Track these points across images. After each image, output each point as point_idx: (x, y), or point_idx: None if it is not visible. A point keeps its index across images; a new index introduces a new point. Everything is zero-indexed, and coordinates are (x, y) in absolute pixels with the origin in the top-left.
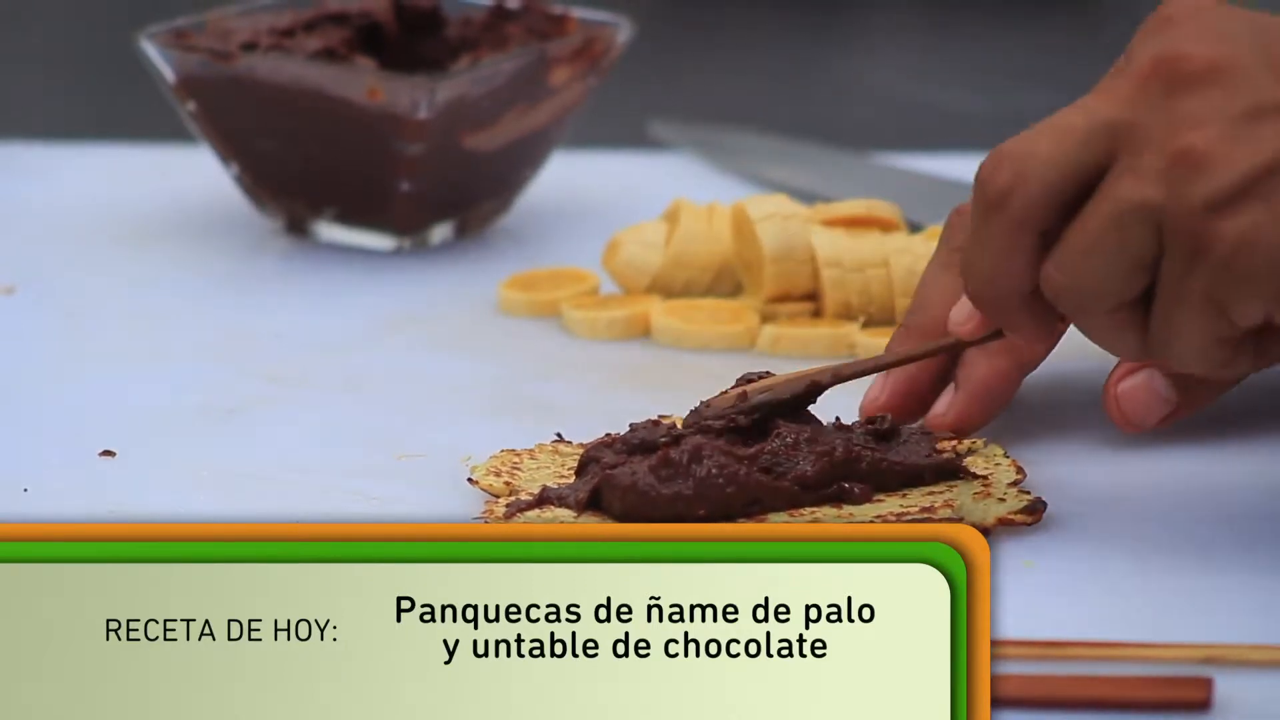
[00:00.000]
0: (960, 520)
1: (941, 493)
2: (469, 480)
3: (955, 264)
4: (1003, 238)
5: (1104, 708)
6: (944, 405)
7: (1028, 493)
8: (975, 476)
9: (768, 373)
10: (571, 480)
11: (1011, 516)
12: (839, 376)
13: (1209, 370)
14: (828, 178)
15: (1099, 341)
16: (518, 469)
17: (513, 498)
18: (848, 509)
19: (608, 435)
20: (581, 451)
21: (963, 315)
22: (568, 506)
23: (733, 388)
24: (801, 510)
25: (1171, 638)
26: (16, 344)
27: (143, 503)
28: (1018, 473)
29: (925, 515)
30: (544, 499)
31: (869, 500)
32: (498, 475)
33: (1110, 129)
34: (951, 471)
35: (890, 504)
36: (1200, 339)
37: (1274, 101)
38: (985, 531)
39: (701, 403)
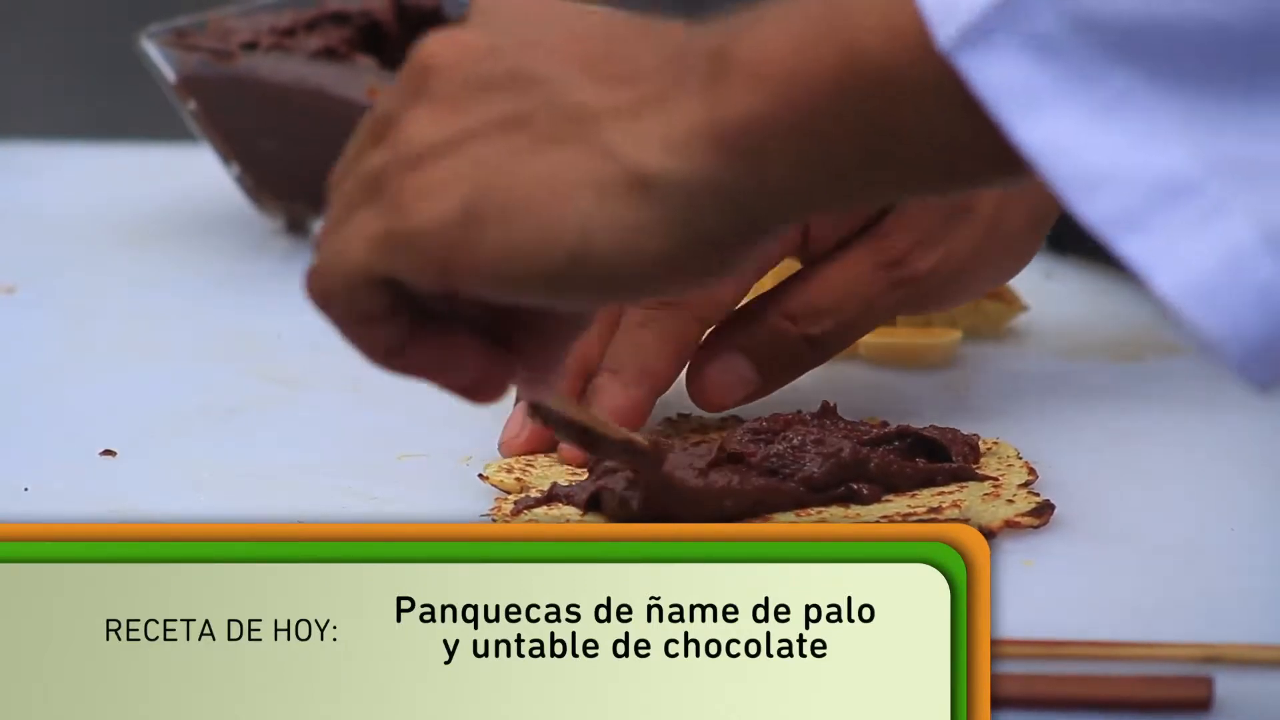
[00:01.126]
0: (966, 521)
1: (951, 493)
2: (480, 476)
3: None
4: None
5: (1104, 707)
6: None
7: (1037, 495)
8: (986, 478)
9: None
10: (583, 479)
11: (1018, 519)
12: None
13: None
14: None
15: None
16: (531, 466)
17: (522, 495)
18: (855, 509)
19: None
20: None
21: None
22: (574, 505)
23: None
24: (808, 510)
25: (1172, 637)
26: (17, 344)
27: (143, 502)
28: (1029, 474)
29: (931, 516)
30: (552, 496)
31: (877, 501)
32: (509, 472)
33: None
34: (964, 473)
35: (898, 504)
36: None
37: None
38: (988, 532)
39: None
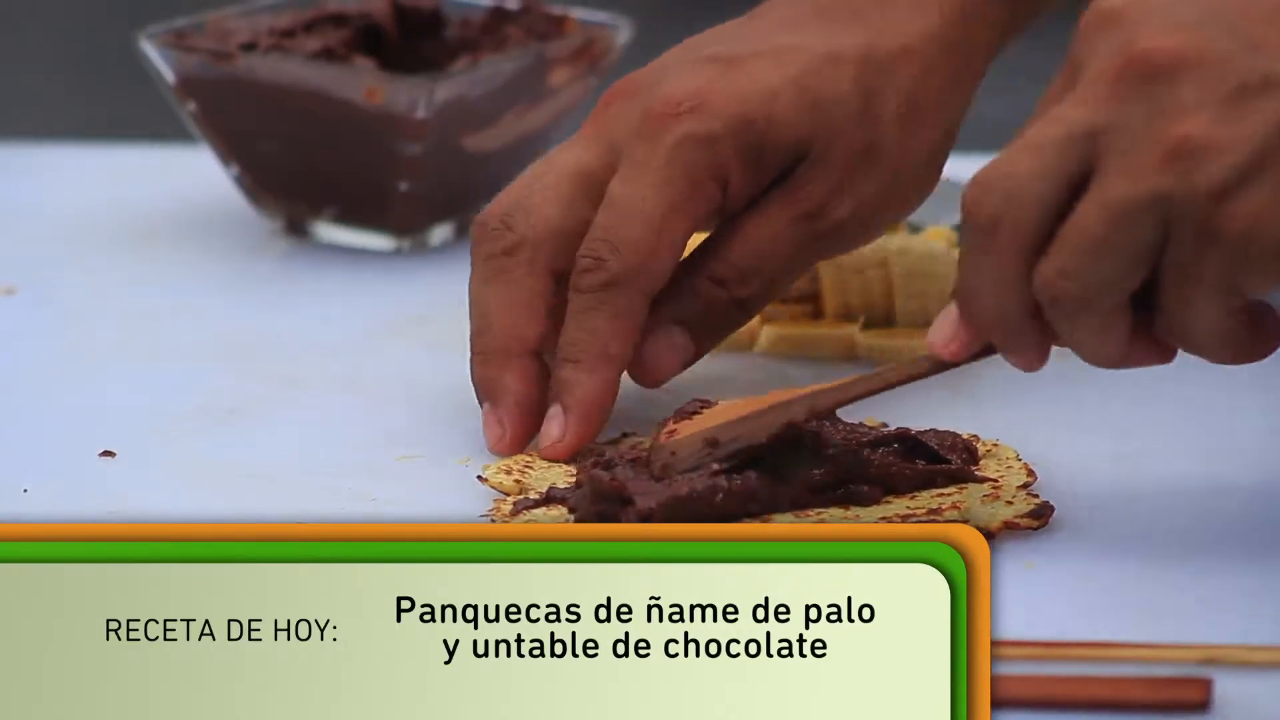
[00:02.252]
0: (965, 522)
1: (951, 495)
2: (479, 478)
3: (497, 275)
4: (1001, 263)
5: (1103, 708)
6: (557, 429)
7: (1036, 496)
8: (985, 480)
9: (704, 403)
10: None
11: (1016, 520)
12: (815, 411)
13: (1233, 354)
14: None
15: (1086, 346)
16: (529, 468)
17: (521, 496)
18: (855, 510)
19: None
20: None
21: (945, 336)
22: (570, 508)
23: (673, 423)
24: (809, 511)
25: (1171, 638)
26: (16, 344)
27: (142, 503)
28: (1028, 475)
29: (931, 517)
30: (550, 498)
31: (878, 502)
32: (508, 473)
33: (1089, 134)
34: (963, 475)
35: (897, 505)
36: (1219, 320)
37: (1257, 78)
38: (987, 534)
39: (660, 443)
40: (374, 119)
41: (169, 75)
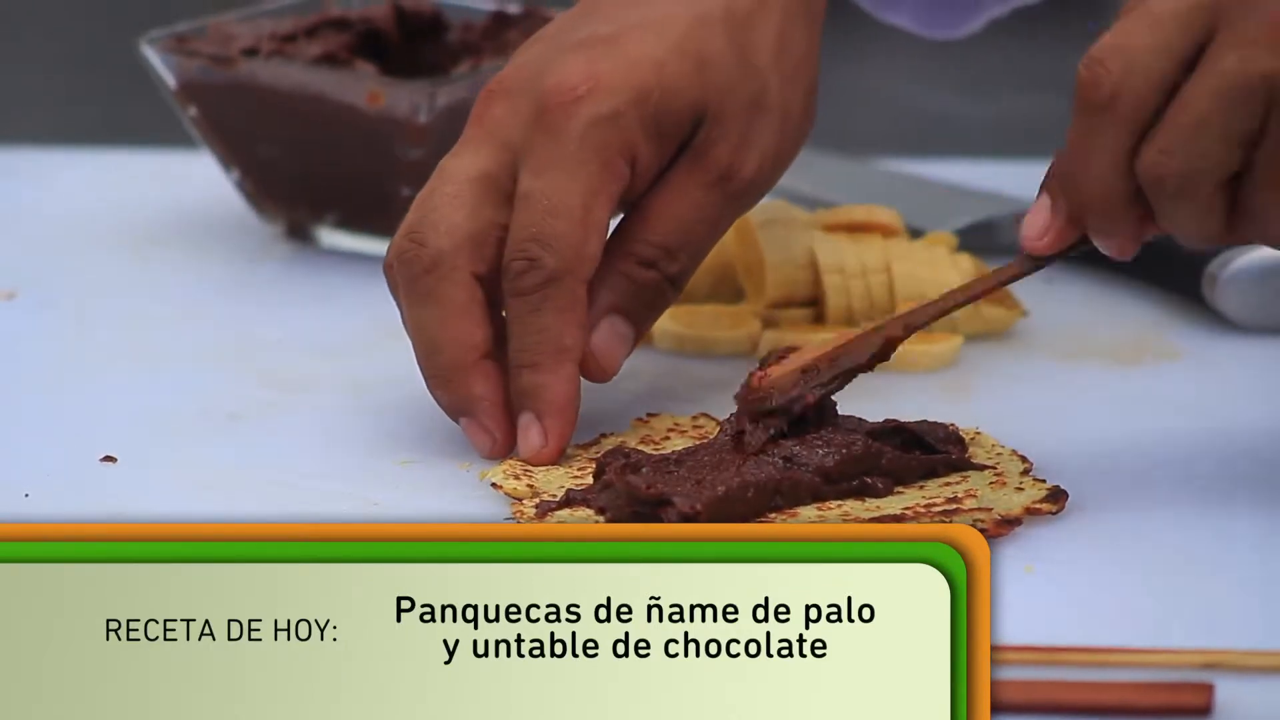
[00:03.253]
0: (989, 510)
1: (958, 483)
2: (493, 485)
3: (425, 296)
4: (1116, 136)
5: (1105, 713)
6: (537, 437)
7: (1043, 480)
8: (984, 467)
9: (791, 348)
10: (587, 482)
11: (1038, 506)
12: (911, 327)
13: None
14: (829, 183)
15: (1184, 228)
16: (529, 472)
17: (537, 499)
18: (873, 503)
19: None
20: (582, 454)
21: (1038, 229)
22: (591, 508)
23: (761, 370)
24: (829, 504)
25: (1173, 643)
26: (18, 349)
27: (144, 508)
28: (1023, 461)
29: (954, 507)
30: (570, 500)
31: (891, 493)
32: (517, 479)
33: (1205, 6)
34: (961, 463)
35: (912, 497)
36: None
37: None
38: (986, 533)
39: (751, 384)
40: (375, 124)
41: (170, 80)
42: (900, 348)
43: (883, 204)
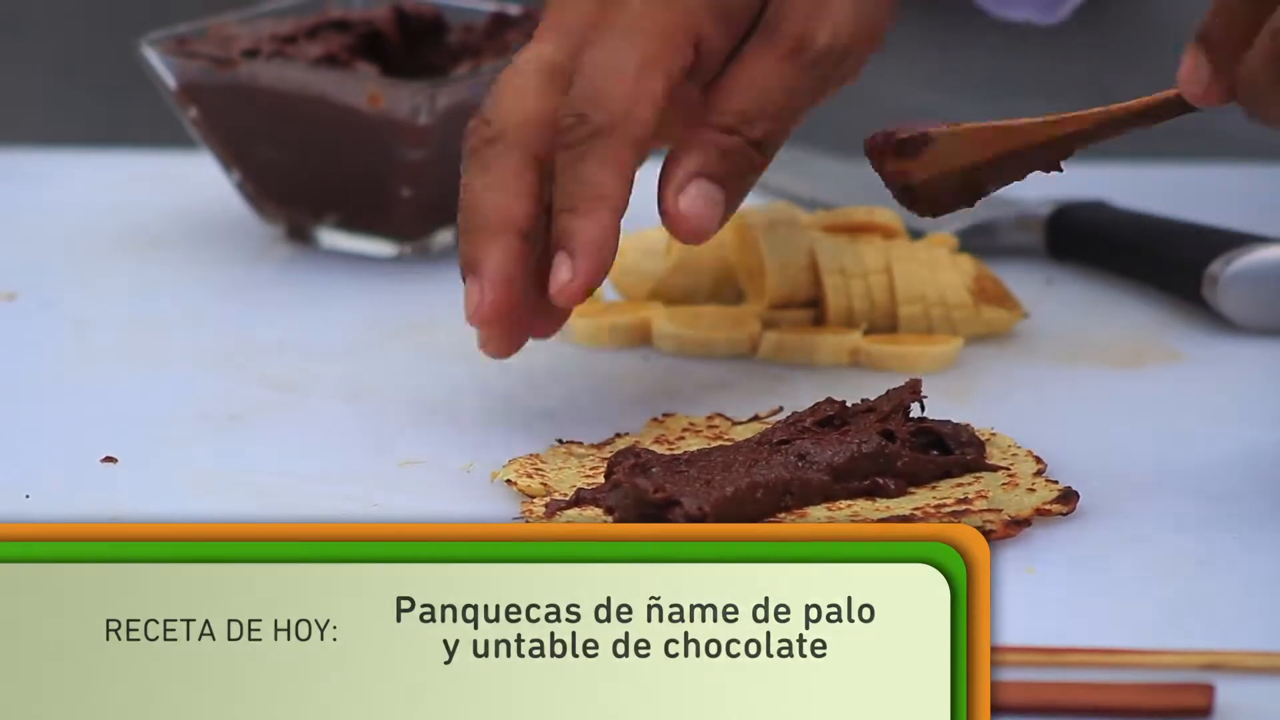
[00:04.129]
0: (998, 512)
1: (970, 484)
2: (508, 482)
3: (479, 164)
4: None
5: (1105, 714)
6: (565, 272)
7: (1055, 482)
8: (998, 468)
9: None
10: (599, 481)
11: (1048, 507)
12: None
13: None
14: (830, 184)
15: None
16: (539, 470)
17: (548, 498)
18: (882, 502)
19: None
20: (595, 453)
21: (1200, 84)
22: (600, 507)
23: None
24: (839, 504)
25: (1173, 644)
26: (18, 350)
27: (144, 509)
28: (1037, 462)
29: (964, 508)
30: (580, 499)
31: (903, 494)
32: (529, 477)
33: None
34: (976, 464)
35: (923, 497)
36: None
37: None
38: (995, 535)
39: (911, 184)
40: (376, 125)
41: (171, 81)
42: (900, 348)
43: (883, 205)
